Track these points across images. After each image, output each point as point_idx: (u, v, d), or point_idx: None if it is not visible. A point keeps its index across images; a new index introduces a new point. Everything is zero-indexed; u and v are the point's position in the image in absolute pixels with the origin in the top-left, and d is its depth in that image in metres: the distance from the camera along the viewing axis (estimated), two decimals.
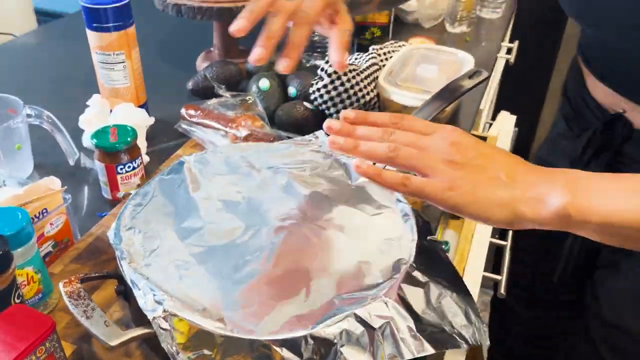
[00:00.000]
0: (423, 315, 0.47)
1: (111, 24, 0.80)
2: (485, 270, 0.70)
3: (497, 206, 0.44)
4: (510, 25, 1.52)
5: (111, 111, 0.84)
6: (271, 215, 0.54)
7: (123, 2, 0.80)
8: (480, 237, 0.72)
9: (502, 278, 0.77)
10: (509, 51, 1.41)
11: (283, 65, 0.54)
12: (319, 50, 1.11)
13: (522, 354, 0.98)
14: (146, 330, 0.43)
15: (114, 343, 0.41)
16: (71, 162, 0.78)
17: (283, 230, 0.53)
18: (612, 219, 0.42)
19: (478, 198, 0.44)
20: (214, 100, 0.88)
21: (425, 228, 0.55)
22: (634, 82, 0.61)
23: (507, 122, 1.11)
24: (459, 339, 0.47)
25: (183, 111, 0.86)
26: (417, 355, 0.45)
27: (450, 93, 0.69)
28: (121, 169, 0.70)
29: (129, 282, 0.46)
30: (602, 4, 0.56)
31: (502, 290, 0.76)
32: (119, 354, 0.50)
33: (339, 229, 0.53)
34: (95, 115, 0.83)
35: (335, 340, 0.43)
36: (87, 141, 0.84)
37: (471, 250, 0.69)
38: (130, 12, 0.82)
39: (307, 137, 0.70)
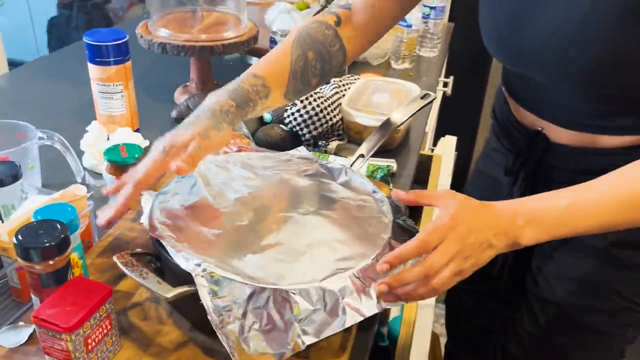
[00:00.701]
0: None
1: (112, 59, 0.92)
2: None
3: (489, 259, 0.60)
4: (445, 62, 1.74)
5: (108, 136, 0.95)
6: (275, 206, 0.67)
7: (123, 40, 0.92)
8: None
9: None
10: (445, 84, 1.62)
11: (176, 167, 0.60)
12: None
13: (476, 343, 1.12)
14: (189, 288, 0.54)
15: (169, 295, 0.52)
16: (78, 180, 0.88)
17: (286, 217, 0.65)
18: (559, 235, 0.62)
19: (481, 264, 0.60)
20: None
21: (396, 210, 0.69)
22: (546, 105, 0.78)
23: (448, 143, 1.30)
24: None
25: None
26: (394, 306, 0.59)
27: (407, 111, 0.85)
28: None
29: (171, 251, 0.57)
30: (514, 46, 0.73)
31: None
32: (153, 321, 0.61)
33: (334, 213, 0.67)
34: (95, 139, 0.93)
35: (338, 292, 0.56)
36: (87, 162, 0.94)
37: None
38: (128, 49, 0.94)
39: (290, 151, 0.84)
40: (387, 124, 0.84)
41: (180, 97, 1.22)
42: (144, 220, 0.64)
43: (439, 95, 1.67)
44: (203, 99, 1.11)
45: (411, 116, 0.85)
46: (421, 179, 1.20)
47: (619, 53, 0.62)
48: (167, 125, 1.09)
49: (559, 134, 0.77)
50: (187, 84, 1.25)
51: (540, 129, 0.80)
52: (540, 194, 0.64)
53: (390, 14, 0.83)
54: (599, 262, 0.79)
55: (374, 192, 0.71)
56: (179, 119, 1.10)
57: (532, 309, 0.88)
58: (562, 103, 0.74)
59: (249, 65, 1.46)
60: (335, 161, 0.86)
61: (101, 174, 0.92)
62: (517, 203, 0.64)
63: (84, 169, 0.93)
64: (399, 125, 0.84)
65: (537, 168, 0.81)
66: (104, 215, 0.61)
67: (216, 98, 0.70)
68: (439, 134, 1.60)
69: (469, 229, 0.58)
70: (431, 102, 0.88)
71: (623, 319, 0.82)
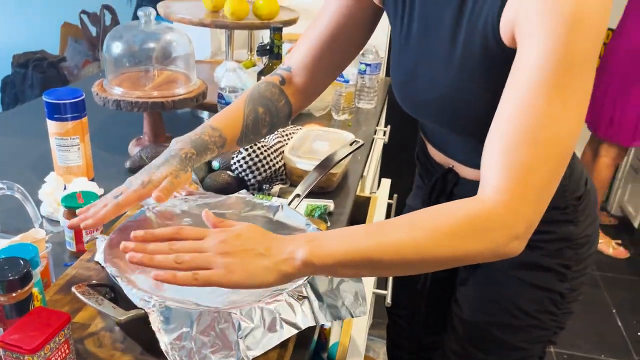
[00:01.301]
0: (324, 296, 0.70)
1: (69, 115, 1.01)
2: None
3: (266, 273, 0.60)
4: (385, 113, 1.90)
5: (65, 186, 1.02)
6: None
7: (79, 98, 1.01)
8: None
9: (388, 292, 1.02)
10: (384, 133, 1.76)
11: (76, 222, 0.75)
12: None
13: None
14: (140, 311, 0.61)
15: (122, 317, 0.60)
16: (36, 226, 0.94)
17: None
18: (342, 258, 0.60)
19: (250, 272, 0.60)
20: None
21: None
22: (450, 147, 0.91)
23: (384, 186, 1.42)
24: (348, 313, 0.71)
25: None
26: (320, 324, 0.68)
27: (336, 156, 0.97)
28: None
29: (124, 289, 0.64)
30: (411, 100, 0.86)
31: (389, 299, 1.01)
32: (108, 348, 0.67)
33: None
34: (53, 189, 1.00)
35: (275, 310, 0.65)
36: (45, 210, 1.00)
37: None
38: (84, 106, 1.03)
39: (233, 194, 0.93)
40: (319, 167, 0.95)
41: (133, 148, 1.31)
42: (99, 257, 0.71)
43: (379, 142, 1.81)
44: (154, 151, 1.21)
45: (340, 160, 0.97)
46: (361, 219, 1.31)
47: (479, 109, 0.76)
48: (122, 175, 1.17)
49: (465, 171, 0.89)
50: (141, 136, 1.34)
51: (451, 166, 0.92)
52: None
53: (325, 75, 0.97)
54: (506, 283, 0.90)
55: (307, 224, 0.81)
56: (132, 169, 1.18)
57: (455, 329, 0.98)
58: (459, 145, 0.87)
59: (200, 118, 1.58)
60: (275, 201, 0.96)
61: (58, 221, 0.99)
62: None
63: (42, 216, 1.00)
64: (330, 168, 0.95)
65: (449, 199, 0.93)
66: (83, 221, 0.73)
67: (181, 145, 0.83)
68: (382, 177, 1.73)
69: (235, 235, 0.62)
70: (359, 148, 1.00)
71: (532, 335, 0.92)
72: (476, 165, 0.86)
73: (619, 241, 2.82)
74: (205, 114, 1.57)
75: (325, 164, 0.95)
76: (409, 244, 0.62)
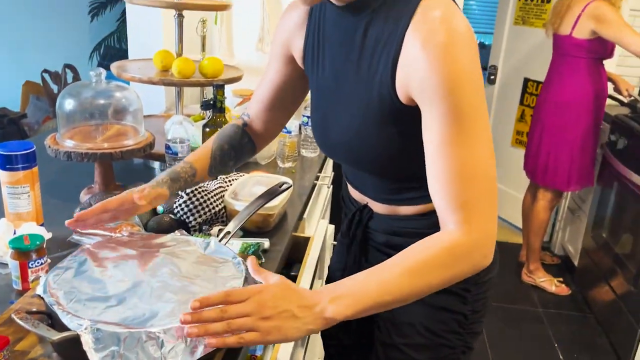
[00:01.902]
0: None
1: (20, 165, 1.09)
2: None
3: (296, 333, 0.73)
4: (330, 161, 2.03)
5: (15, 231, 1.10)
6: (148, 269, 0.85)
7: (31, 150, 1.11)
8: None
9: None
10: (328, 179, 1.89)
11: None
12: None
13: None
14: (72, 332, 0.69)
15: (55, 337, 0.67)
16: None
17: (159, 275, 0.83)
18: (357, 310, 0.75)
19: (283, 334, 0.72)
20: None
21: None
22: (363, 186, 1.04)
23: (321, 227, 1.53)
24: None
25: None
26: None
27: (268, 195, 1.08)
28: (32, 264, 0.95)
29: (59, 314, 0.72)
30: (326, 142, 0.99)
31: None
32: None
33: (198, 271, 0.85)
34: (3, 233, 1.08)
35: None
36: None
37: None
38: (35, 156, 1.12)
39: (170, 234, 1.03)
40: (249, 206, 1.06)
41: (84, 197, 1.39)
42: (40, 290, 0.79)
43: (324, 188, 1.93)
44: (104, 197, 1.29)
45: (269, 200, 1.08)
46: (300, 257, 1.40)
47: (381, 153, 0.89)
48: None
49: (377, 206, 1.02)
50: (92, 185, 1.42)
51: (366, 202, 1.05)
52: (348, 277, 0.80)
53: (275, 123, 1.17)
54: (418, 307, 1.00)
55: (234, 257, 0.91)
56: None
57: (377, 353, 1.07)
58: (370, 184, 1.00)
59: (152, 168, 1.68)
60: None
61: (7, 264, 1.06)
62: (328, 285, 0.79)
63: None
64: (259, 207, 1.06)
65: (365, 231, 1.05)
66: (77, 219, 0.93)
67: (158, 176, 1.03)
68: (333, 221, 1.85)
69: (272, 297, 0.73)
70: (287, 189, 1.11)
71: (441, 354, 1.02)
72: (385, 201, 0.99)
73: (561, 279, 2.98)
74: (156, 164, 1.67)
75: (255, 204, 1.05)
76: (409, 283, 0.77)
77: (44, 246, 0.98)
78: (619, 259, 2.49)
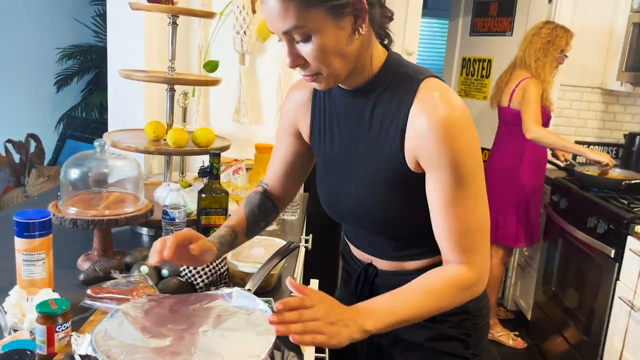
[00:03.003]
0: None
1: (37, 232, 1.13)
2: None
3: (347, 339, 0.85)
4: (305, 223, 2.13)
5: (27, 298, 1.12)
6: (190, 326, 0.91)
7: (47, 218, 1.15)
8: None
9: (326, 355, 1.18)
10: (307, 241, 1.98)
11: (154, 260, 0.97)
12: None
13: None
14: None
15: None
16: (6, 334, 1.02)
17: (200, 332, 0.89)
18: (387, 325, 0.89)
19: (340, 339, 0.85)
20: (109, 283, 1.21)
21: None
22: (368, 246, 1.14)
23: (312, 285, 1.61)
24: None
25: (89, 291, 1.17)
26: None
27: (280, 254, 1.16)
28: (59, 328, 0.98)
29: None
30: (336, 209, 1.11)
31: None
32: None
33: (233, 324, 0.92)
34: (17, 300, 1.09)
35: None
36: (9, 320, 1.08)
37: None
38: (51, 224, 1.16)
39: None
40: (264, 266, 1.14)
41: (82, 263, 1.41)
42: (86, 350, 0.83)
43: (303, 249, 2.02)
44: (107, 264, 1.34)
45: (282, 259, 1.16)
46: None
47: (390, 214, 1.02)
48: (75, 288, 1.26)
49: (381, 264, 1.12)
50: (89, 252, 1.45)
51: (370, 261, 1.15)
52: (375, 298, 0.95)
53: (290, 189, 1.28)
54: (425, 352, 1.10)
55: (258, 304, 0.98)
56: (86, 281, 1.28)
57: None
58: (376, 243, 1.11)
59: (139, 234, 1.71)
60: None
61: (17, 329, 1.06)
62: (363, 302, 0.93)
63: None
64: (274, 267, 1.14)
65: (371, 288, 1.15)
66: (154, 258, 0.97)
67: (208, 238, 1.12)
68: (306, 280, 1.92)
69: (331, 306, 0.87)
70: (296, 248, 1.20)
71: None
72: (389, 257, 1.10)
73: (517, 333, 3.14)
74: (144, 230, 1.71)
75: (272, 262, 1.14)
76: (426, 304, 0.94)
77: (69, 310, 1.01)
78: (569, 310, 2.68)
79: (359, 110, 1.03)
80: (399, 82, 0.98)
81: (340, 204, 1.09)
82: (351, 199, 1.06)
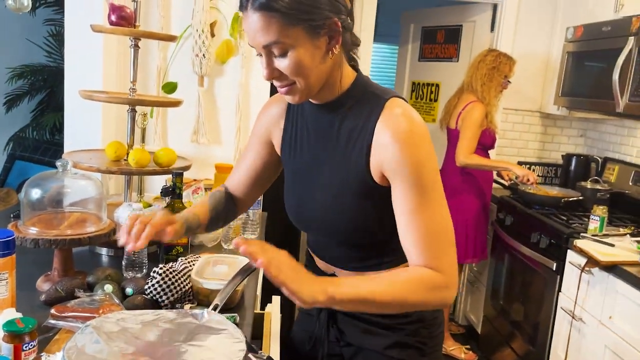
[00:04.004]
0: None
1: (0, 252, 1.12)
2: None
3: (309, 295, 0.88)
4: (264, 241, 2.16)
5: None
6: (157, 342, 0.93)
7: (11, 237, 1.15)
8: None
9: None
10: None
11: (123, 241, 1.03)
12: (137, 267, 1.52)
13: None
14: None
15: None
16: None
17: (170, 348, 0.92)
18: (351, 298, 0.92)
19: (302, 289, 0.88)
20: (73, 302, 1.21)
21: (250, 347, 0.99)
22: (331, 256, 1.20)
23: (275, 303, 1.65)
24: None
25: (53, 310, 1.16)
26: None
27: (244, 272, 1.20)
28: (25, 347, 0.98)
29: None
30: (302, 218, 1.16)
31: None
32: None
33: (201, 342, 0.95)
34: None
35: None
36: None
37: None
38: (15, 244, 1.16)
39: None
40: (231, 282, 1.17)
41: (42, 284, 1.40)
42: None
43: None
44: (69, 283, 1.33)
45: (247, 275, 1.20)
46: (260, 333, 1.50)
47: (354, 224, 1.09)
48: (37, 308, 1.25)
49: (344, 274, 1.18)
50: (49, 273, 1.44)
51: (333, 272, 1.21)
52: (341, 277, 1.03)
53: (251, 197, 1.33)
54: None
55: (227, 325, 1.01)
56: (47, 301, 1.28)
57: None
58: (339, 254, 1.17)
59: (99, 254, 1.70)
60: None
61: None
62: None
63: None
64: (239, 283, 1.17)
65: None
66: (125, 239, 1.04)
67: (180, 215, 1.19)
68: (267, 297, 1.95)
69: (295, 262, 0.92)
70: (254, 270, 1.24)
71: None
72: (353, 268, 1.17)
73: (468, 346, 3.25)
74: (104, 250, 1.70)
75: (237, 279, 1.17)
76: (392, 292, 0.96)
77: (36, 329, 1.01)
78: (516, 322, 2.81)
79: (328, 124, 1.10)
80: (366, 100, 1.06)
81: (307, 213, 1.15)
82: (317, 208, 1.12)
